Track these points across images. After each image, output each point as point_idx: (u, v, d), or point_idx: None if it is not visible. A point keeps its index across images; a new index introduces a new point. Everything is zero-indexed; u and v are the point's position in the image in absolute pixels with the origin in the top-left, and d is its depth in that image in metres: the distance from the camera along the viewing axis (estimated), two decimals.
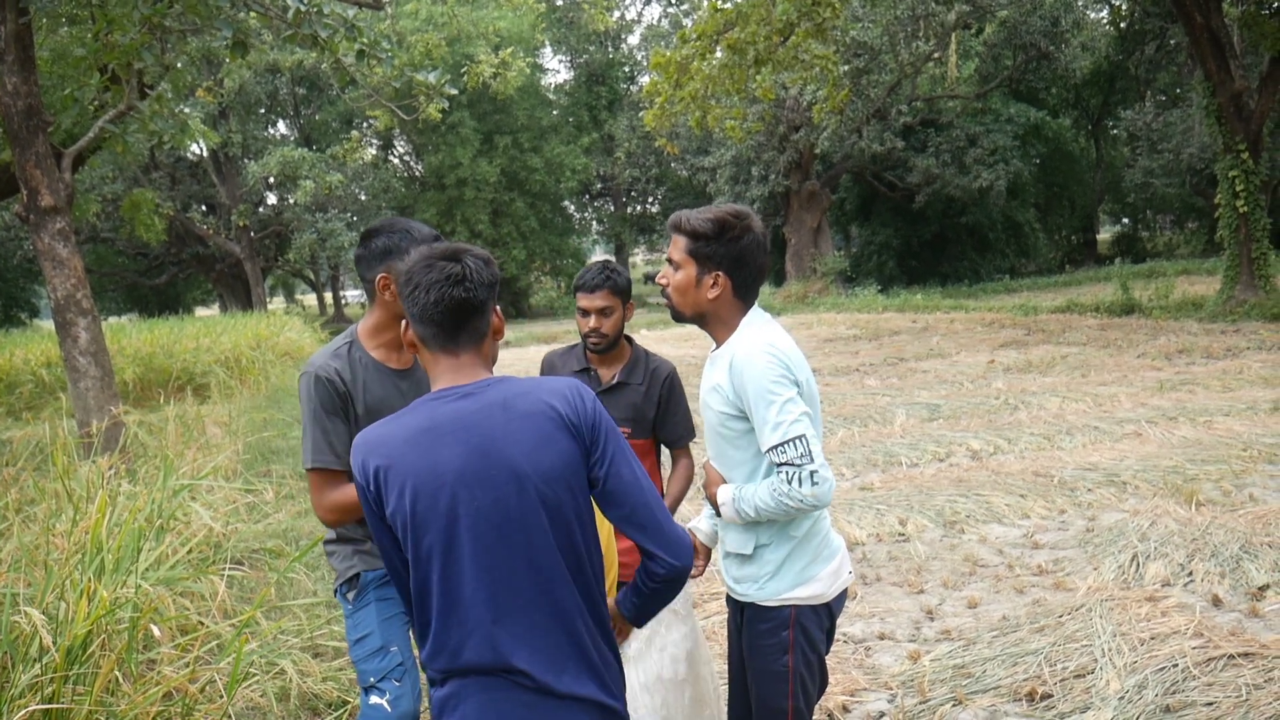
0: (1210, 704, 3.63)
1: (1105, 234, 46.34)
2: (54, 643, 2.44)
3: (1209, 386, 9.95)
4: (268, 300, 35.54)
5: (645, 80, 43.39)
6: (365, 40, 6.47)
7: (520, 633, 1.87)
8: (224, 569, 4.09)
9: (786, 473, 2.33)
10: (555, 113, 38.00)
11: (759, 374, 2.36)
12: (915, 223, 31.33)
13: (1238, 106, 15.54)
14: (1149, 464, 7.09)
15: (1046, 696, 3.80)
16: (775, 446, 2.34)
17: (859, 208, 34.06)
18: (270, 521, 6.14)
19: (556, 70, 55.20)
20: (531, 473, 1.88)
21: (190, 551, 4.15)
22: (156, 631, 2.81)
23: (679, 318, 2.60)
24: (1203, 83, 16.01)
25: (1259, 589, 4.71)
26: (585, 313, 3.27)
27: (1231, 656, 3.97)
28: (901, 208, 31.23)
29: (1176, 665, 3.92)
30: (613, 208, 42.74)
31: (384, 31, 6.93)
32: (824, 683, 2.57)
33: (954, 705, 3.83)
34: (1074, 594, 4.82)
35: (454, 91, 6.80)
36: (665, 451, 3.52)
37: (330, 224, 30.06)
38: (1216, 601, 4.61)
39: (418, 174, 37.03)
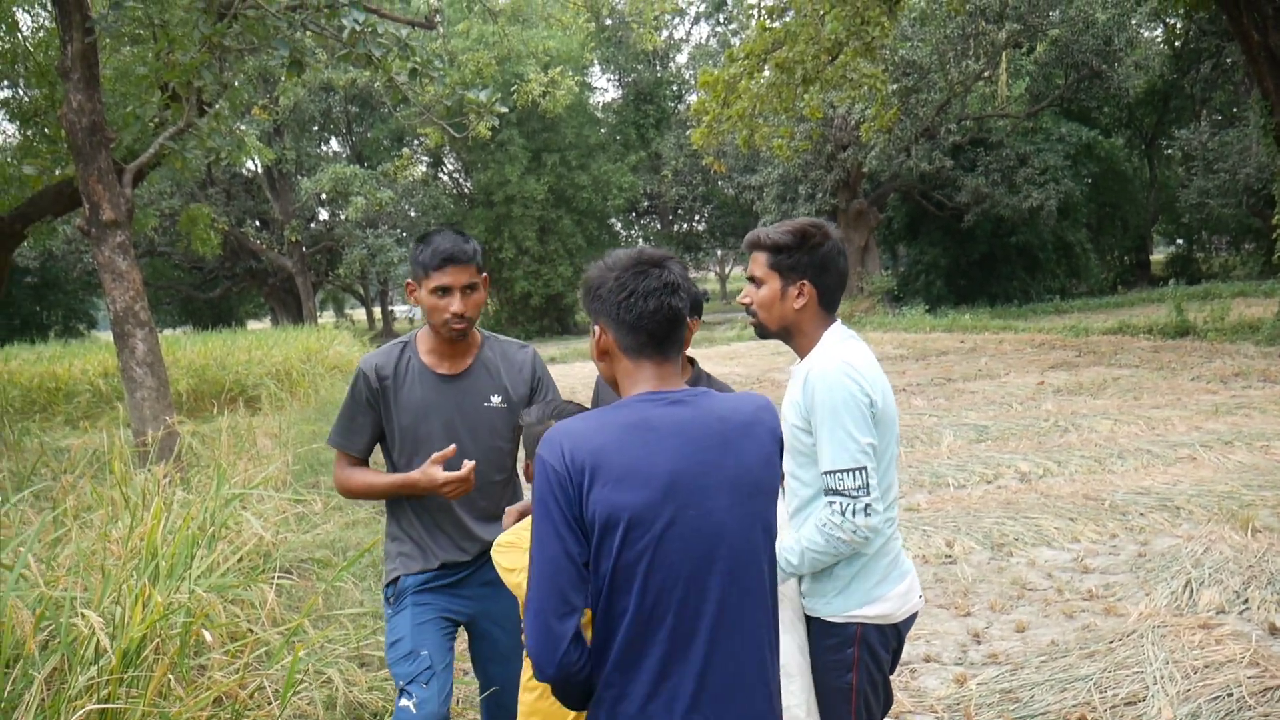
0: None
1: (1159, 255, 45.55)
2: (110, 646, 2.50)
3: (1265, 411, 9.73)
4: (318, 314, 36.04)
5: (693, 99, 43.59)
6: (418, 59, 6.58)
7: (718, 660, 1.79)
8: (273, 577, 4.15)
9: (840, 503, 2.33)
10: (603, 131, 38.26)
11: (830, 392, 2.37)
12: (964, 242, 31.03)
13: None
14: (1203, 489, 6.95)
15: None
16: (833, 472, 2.34)
17: (907, 226, 33.82)
18: (319, 532, 6.22)
19: (604, 89, 55.59)
20: (750, 486, 1.84)
21: (240, 560, 4.22)
22: (208, 637, 2.86)
23: (765, 334, 2.63)
24: (1260, 102, 15.72)
25: None
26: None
27: None
28: (950, 227, 30.96)
29: (1231, 695, 3.83)
30: (659, 225, 42.87)
31: (435, 51, 7.05)
32: (888, 703, 2.55)
33: None
34: (1125, 620, 4.73)
35: (505, 109, 6.89)
36: None
37: (380, 240, 30.48)
38: (1274, 630, 4.50)
39: (466, 191, 37.44)
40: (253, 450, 8.51)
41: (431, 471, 2.74)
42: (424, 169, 33.09)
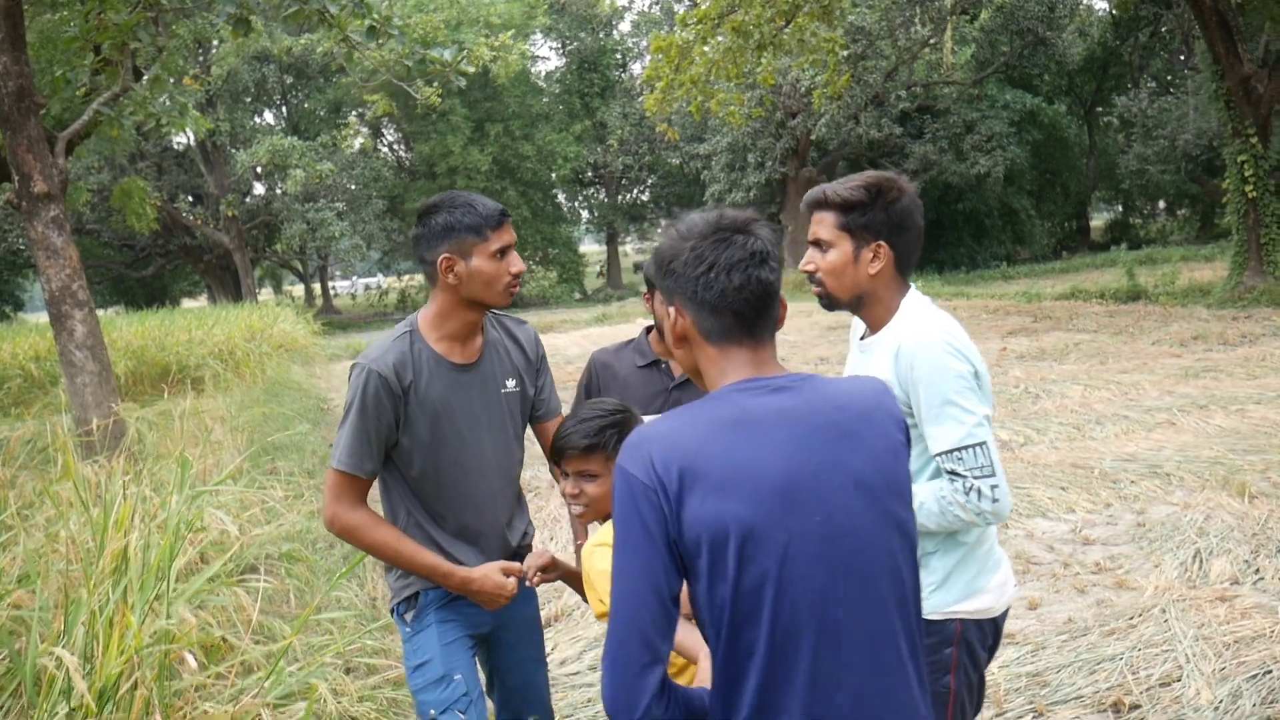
0: None
1: (1098, 220, 46.22)
2: (86, 687, 2.13)
3: (1233, 374, 9.73)
4: (257, 291, 35.07)
5: (637, 68, 43.00)
6: (376, 16, 6.16)
7: (868, 700, 1.48)
8: (246, 579, 3.81)
9: (963, 483, 2.05)
10: (546, 100, 37.60)
11: (936, 367, 2.08)
12: None
13: (1246, 91, 15.31)
14: (1189, 454, 6.85)
15: (1135, 707, 3.55)
16: (950, 452, 2.06)
17: None
18: (283, 523, 5.83)
19: (547, 57, 54.68)
20: (880, 485, 1.52)
21: (207, 562, 3.86)
22: (192, 662, 2.52)
23: (834, 305, 2.31)
24: (1212, 67, 15.78)
25: None
26: (648, 294, 3.00)
27: None
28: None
29: (1270, 672, 3.67)
30: (605, 196, 42.34)
31: (386, 14, 6.63)
32: (980, 703, 2.30)
33: (1035, 717, 3.58)
34: (1140, 594, 4.57)
35: (470, 69, 6.50)
36: None
37: (320, 213, 29.63)
38: None
39: (407, 163, 36.59)
40: (205, 437, 8.08)
41: (496, 578, 2.42)
42: (362, 140, 32.17)
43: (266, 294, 48.28)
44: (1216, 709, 3.48)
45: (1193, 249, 29.24)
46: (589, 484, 2.20)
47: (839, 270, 2.23)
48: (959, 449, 2.05)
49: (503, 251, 2.41)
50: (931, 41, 27.51)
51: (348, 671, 3.68)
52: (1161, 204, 43.47)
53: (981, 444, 2.05)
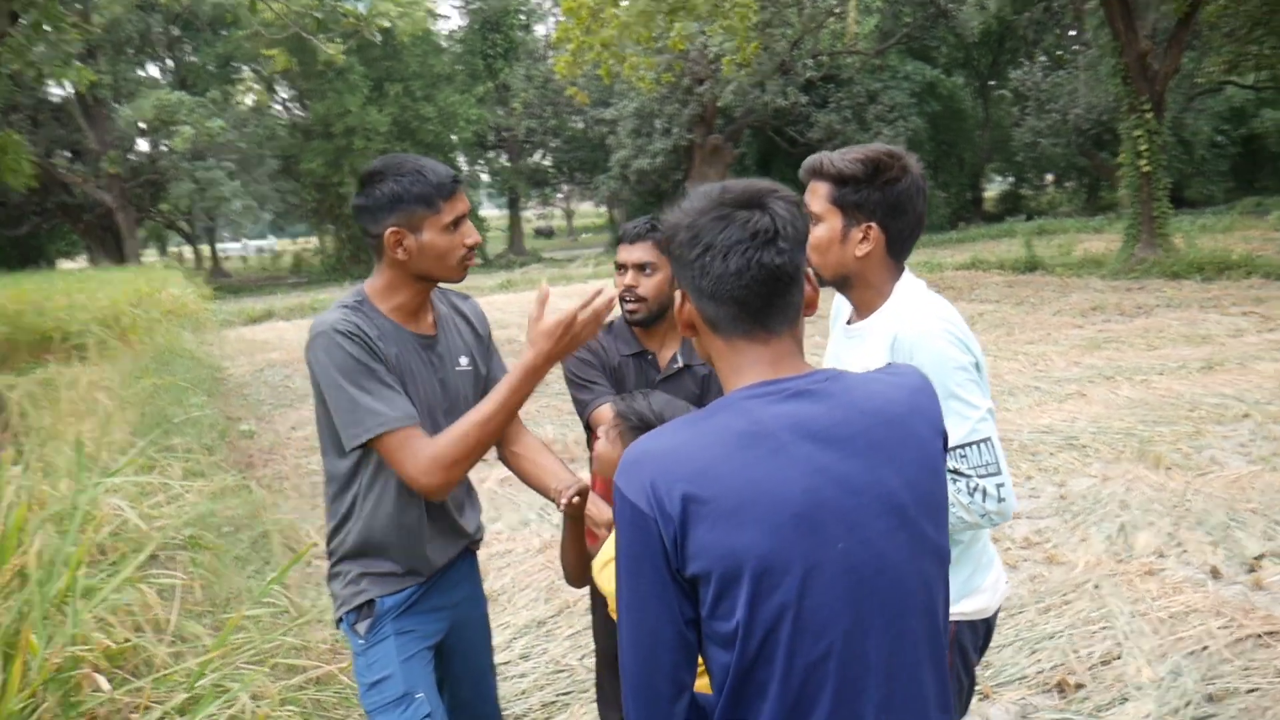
0: (1254, 690, 3.42)
1: (990, 192, 47.42)
2: None
3: (1134, 345, 10.00)
4: (141, 253, 33.50)
5: (541, 29, 42.27)
6: None
7: None
8: (150, 574, 3.51)
9: (966, 483, 1.91)
10: (448, 60, 36.65)
11: (937, 358, 1.92)
12: None
13: (1142, 67, 15.73)
14: (1101, 426, 6.98)
15: (1079, 687, 3.53)
16: (953, 450, 1.91)
17: (759, 162, 33.87)
18: (183, 506, 5.47)
19: (448, 16, 53.31)
20: (912, 505, 1.33)
21: (105, 554, 3.54)
22: (105, 684, 2.23)
23: (820, 281, 2.09)
24: (1110, 43, 16.15)
25: (1255, 559, 4.56)
26: (622, 268, 2.73)
27: (1259, 636, 3.77)
28: (802, 163, 31.15)
29: (1206, 649, 3.70)
30: (507, 159, 41.60)
31: None
32: (967, 705, 2.18)
33: (981, 699, 3.53)
34: (1071, 569, 4.59)
35: (387, 24, 6.14)
36: None
37: (210, 173, 28.36)
38: (1215, 573, 4.44)
39: (302, 121, 35.26)
40: (93, 410, 7.58)
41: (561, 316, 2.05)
42: (256, 96, 30.86)
43: (151, 256, 46.22)
44: (1159, 687, 3.48)
45: (1082, 220, 30.18)
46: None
47: (824, 247, 2.06)
48: (962, 446, 1.91)
49: (456, 223, 2.16)
50: (837, 10, 27.62)
51: (269, 670, 3.42)
52: (1050, 176, 44.84)
53: (986, 440, 1.92)
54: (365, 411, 2.06)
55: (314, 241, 40.53)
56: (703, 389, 2.76)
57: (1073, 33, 36.34)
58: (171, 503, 5.33)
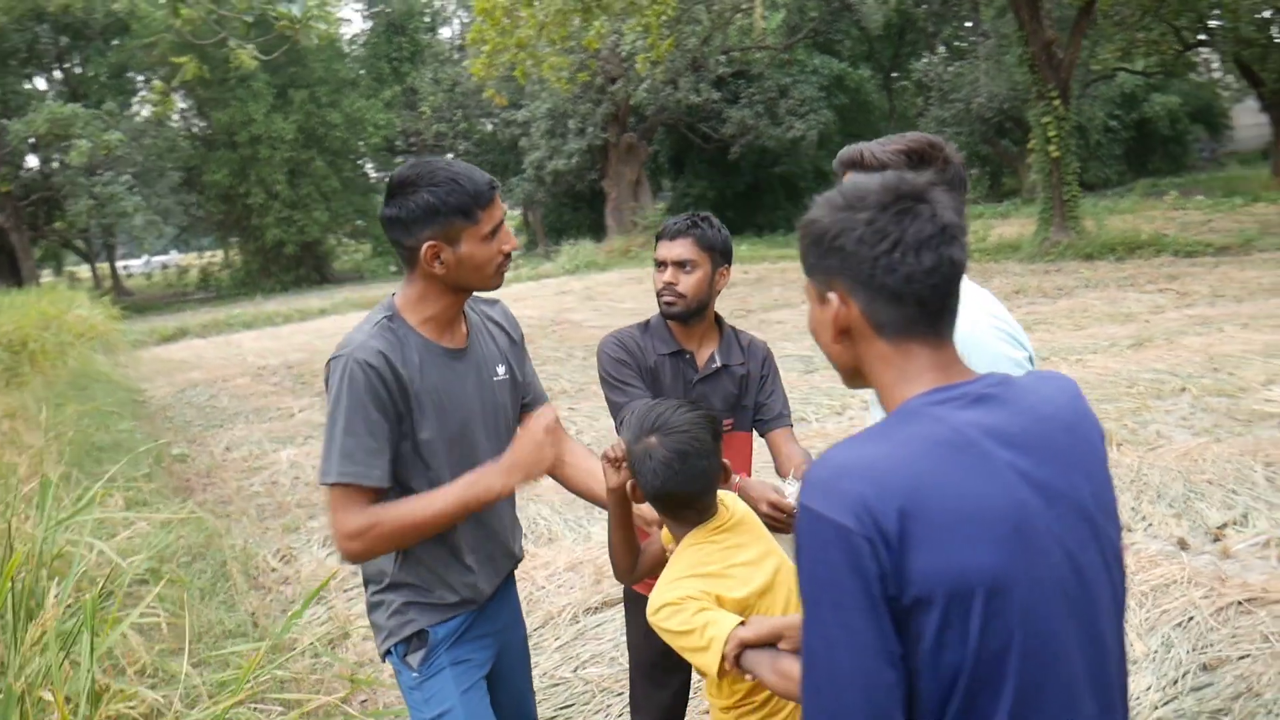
0: (1245, 657, 3.50)
1: None
2: None
3: (1062, 326, 10.28)
4: (39, 274, 32.16)
5: (447, 31, 41.74)
6: None
7: None
8: (126, 612, 3.33)
9: None
10: (353, 65, 35.98)
11: (992, 358, 1.83)
12: (729, 174, 31.61)
13: (1049, 55, 16.18)
14: None
15: None
16: None
17: (673, 160, 34.05)
18: (131, 536, 5.23)
19: (349, 20, 52.27)
20: (1098, 512, 1.27)
21: (80, 602, 3.34)
22: None
23: None
24: (1017, 32, 16.60)
25: (1218, 528, 4.69)
26: (661, 265, 2.64)
27: (1239, 604, 3.88)
28: (715, 159, 31.41)
29: (1193, 619, 3.79)
30: None
31: None
32: None
33: None
34: None
35: (324, 27, 5.95)
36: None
37: (109, 187, 27.29)
38: (1183, 545, 4.55)
39: (201, 131, 34.19)
40: (14, 440, 7.22)
41: (538, 431, 2.03)
42: (154, 107, 29.77)
43: (47, 276, 44.37)
44: (1153, 659, 3.55)
45: (990, 206, 30.97)
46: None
47: None
48: None
49: (494, 231, 2.07)
50: (744, 6, 27.87)
51: (255, 704, 3.27)
52: None
53: None
54: (337, 455, 1.99)
55: (220, 255, 39.34)
56: (740, 389, 2.70)
57: (969, 24, 37.39)
58: (134, 537, 5.10)
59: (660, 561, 2.21)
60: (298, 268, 34.00)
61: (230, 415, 10.50)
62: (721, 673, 1.67)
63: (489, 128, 39.63)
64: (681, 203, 33.66)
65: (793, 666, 1.53)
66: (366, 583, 2.25)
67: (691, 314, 2.66)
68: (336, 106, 32.90)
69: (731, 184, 31.89)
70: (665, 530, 2.17)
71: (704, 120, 29.93)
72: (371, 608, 2.22)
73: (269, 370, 13.61)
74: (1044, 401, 1.30)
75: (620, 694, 3.69)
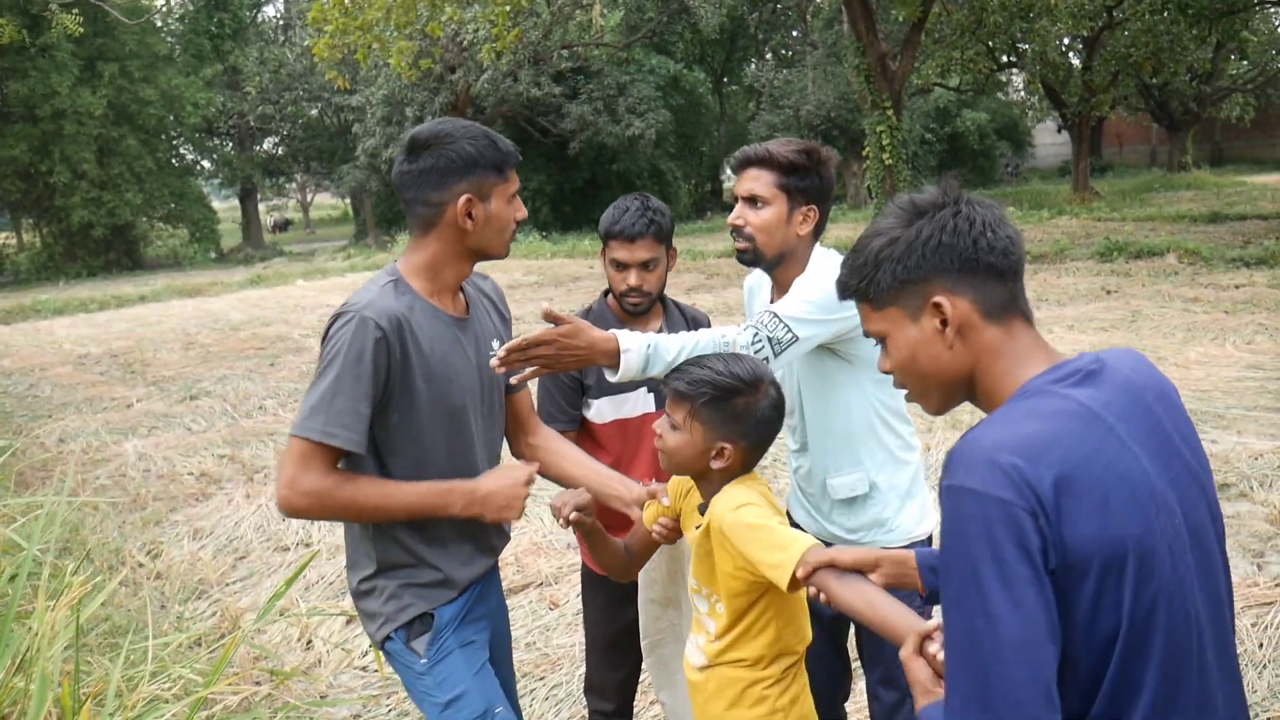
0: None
1: (729, 183, 49.74)
2: None
3: None
4: None
5: (270, 10, 40.01)
6: None
7: (1235, 714, 1.33)
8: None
9: (753, 334, 2.13)
10: (169, 39, 33.95)
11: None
12: (568, 169, 31.64)
13: (883, 67, 17.02)
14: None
15: None
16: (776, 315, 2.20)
17: None
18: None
19: None
20: (1203, 474, 1.35)
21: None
22: None
23: (757, 261, 2.34)
24: (854, 44, 17.34)
25: None
26: (621, 265, 2.61)
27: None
28: (554, 154, 31.36)
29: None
30: (238, 148, 39.05)
31: None
32: None
33: None
34: None
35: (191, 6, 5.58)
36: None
37: None
38: None
39: None
40: None
41: (513, 481, 2.04)
42: None
43: None
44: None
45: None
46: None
47: (771, 228, 2.30)
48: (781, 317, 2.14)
49: (514, 195, 2.09)
50: (584, 3, 27.96)
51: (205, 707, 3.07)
52: None
53: (796, 340, 2.14)
54: (319, 411, 1.91)
55: (14, 237, 36.32)
56: None
57: (796, 33, 38.83)
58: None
59: (648, 543, 2.24)
60: (107, 252, 31.79)
61: (58, 405, 9.74)
62: (793, 584, 1.70)
63: (314, 113, 38.27)
64: (520, 195, 33.35)
65: (879, 597, 1.60)
66: (349, 567, 2.16)
67: (651, 306, 2.71)
68: (151, 82, 30.95)
69: (570, 179, 31.94)
70: (648, 510, 2.19)
71: (543, 114, 29.85)
72: (360, 595, 2.14)
73: (91, 359, 12.71)
74: (1135, 373, 1.37)
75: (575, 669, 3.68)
